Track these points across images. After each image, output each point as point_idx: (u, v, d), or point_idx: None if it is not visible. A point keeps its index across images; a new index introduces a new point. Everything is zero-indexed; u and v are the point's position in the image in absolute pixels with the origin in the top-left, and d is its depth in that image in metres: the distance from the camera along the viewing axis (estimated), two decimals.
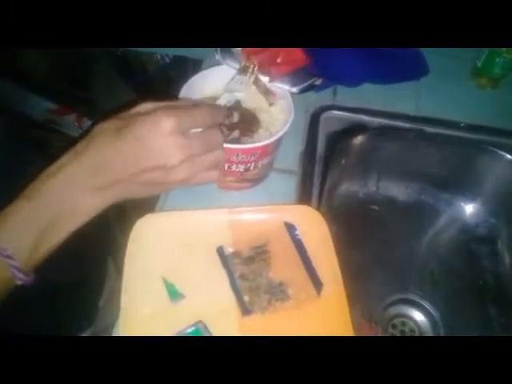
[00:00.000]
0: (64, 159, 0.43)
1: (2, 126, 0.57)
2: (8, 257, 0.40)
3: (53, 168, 0.42)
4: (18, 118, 1.33)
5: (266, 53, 0.60)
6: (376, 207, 0.83)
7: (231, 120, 0.61)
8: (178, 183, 0.47)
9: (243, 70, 0.62)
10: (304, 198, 0.64)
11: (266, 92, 0.62)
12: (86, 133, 0.44)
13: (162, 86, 1.22)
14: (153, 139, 0.43)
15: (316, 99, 0.76)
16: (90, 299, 0.76)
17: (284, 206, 0.61)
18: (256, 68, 0.59)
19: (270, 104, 0.62)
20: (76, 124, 1.41)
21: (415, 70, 0.80)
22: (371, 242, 0.79)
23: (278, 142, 0.59)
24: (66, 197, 0.42)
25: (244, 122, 0.61)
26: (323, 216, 0.57)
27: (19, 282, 0.42)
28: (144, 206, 0.58)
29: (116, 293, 0.49)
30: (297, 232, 0.57)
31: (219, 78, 0.64)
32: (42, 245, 0.42)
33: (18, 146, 0.59)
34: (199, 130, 0.49)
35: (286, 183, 0.67)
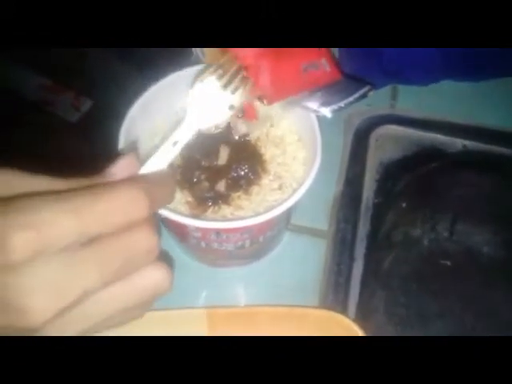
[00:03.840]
0: None
1: None
2: None
3: None
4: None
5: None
6: (448, 262, 0.57)
7: (214, 162, 0.36)
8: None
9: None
10: (337, 290, 0.38)
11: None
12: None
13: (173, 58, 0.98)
14: None
15: (363, 106, 0.49)
16: None
17: (298, 308, 0.37)
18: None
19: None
20: (74, 105, 1.18)
21: None
22: (441, 316, 0.54)
23: (293, 206, 0.34)
24: None
25: (237, 164, 0.36)
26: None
27: None
28: None
29: None
30: None
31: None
32: None
33: None
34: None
35: (306, 254, 0.41)
